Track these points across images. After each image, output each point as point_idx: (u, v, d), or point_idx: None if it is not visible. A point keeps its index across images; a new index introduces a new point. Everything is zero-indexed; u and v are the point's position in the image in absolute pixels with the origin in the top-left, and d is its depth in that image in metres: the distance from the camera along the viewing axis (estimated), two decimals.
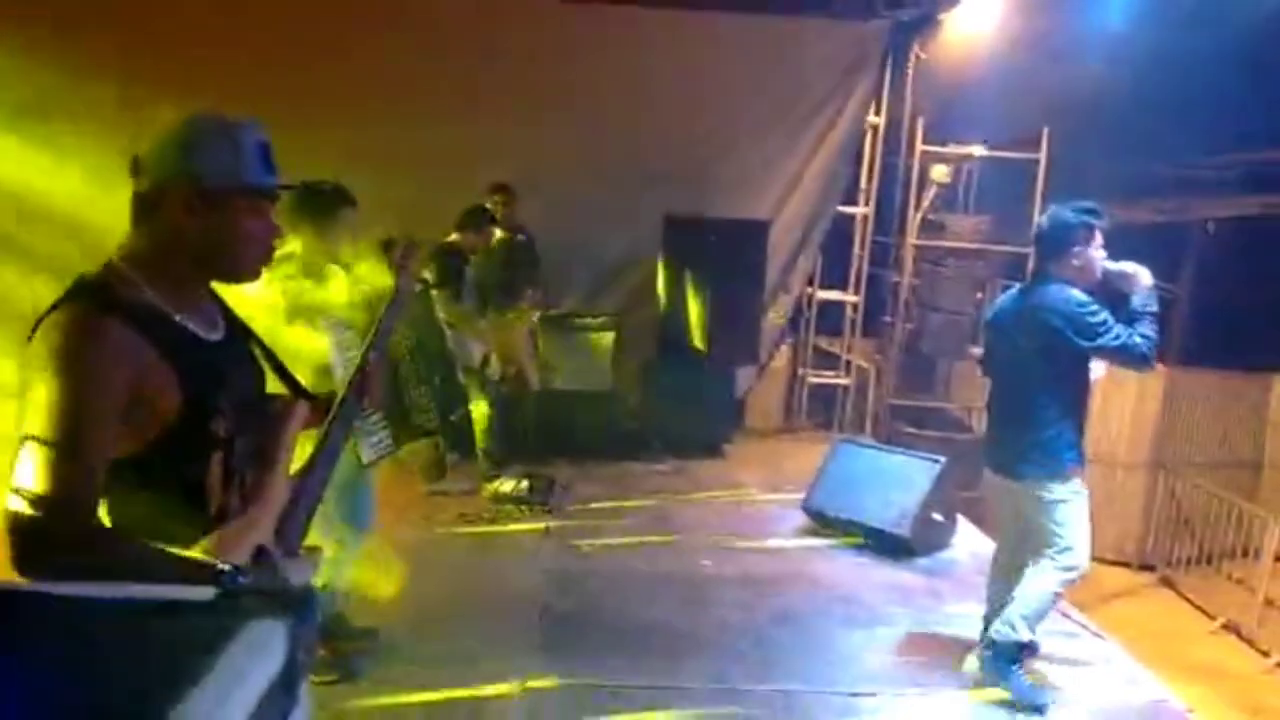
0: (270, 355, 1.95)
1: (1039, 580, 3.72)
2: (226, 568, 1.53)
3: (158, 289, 1.65)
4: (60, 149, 5.33)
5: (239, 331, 1.88)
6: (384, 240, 2.38)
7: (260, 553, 1.69)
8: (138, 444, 1.59)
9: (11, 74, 5.55)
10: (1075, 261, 3.61)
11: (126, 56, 6.06)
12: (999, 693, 3.82)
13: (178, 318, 1.67)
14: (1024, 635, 3.71)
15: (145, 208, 1.67)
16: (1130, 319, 3.53)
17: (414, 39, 7.05)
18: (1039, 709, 3.70)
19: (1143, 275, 3.60)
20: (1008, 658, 3.74)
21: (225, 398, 1.71)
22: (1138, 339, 3.47)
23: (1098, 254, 3.64)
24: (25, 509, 1.43)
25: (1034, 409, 3.68)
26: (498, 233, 6.33)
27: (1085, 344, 3.52)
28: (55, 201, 5.30)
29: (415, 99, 6.92)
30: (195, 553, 1.58)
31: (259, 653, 0.93)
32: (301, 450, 1.92)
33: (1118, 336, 3.48)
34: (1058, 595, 3.76)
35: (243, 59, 6.42)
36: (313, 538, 1.89)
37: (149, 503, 1.63)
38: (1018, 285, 3.92)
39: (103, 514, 1.58)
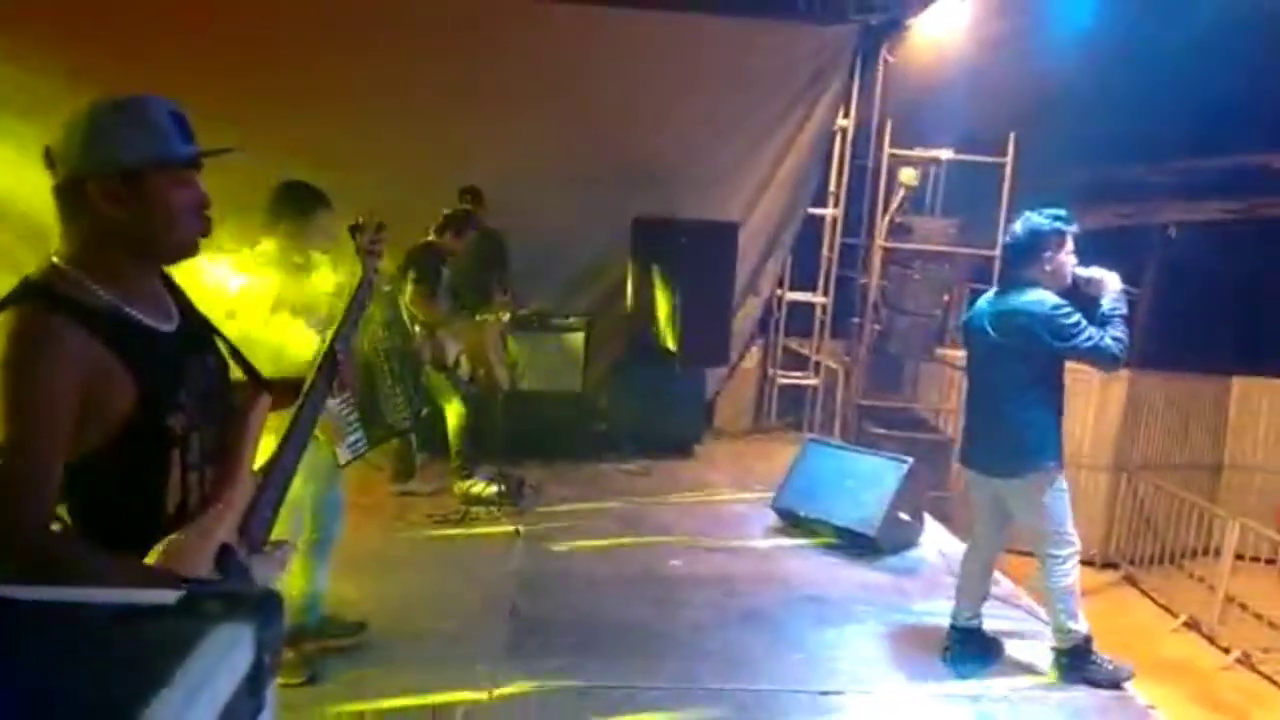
0: (229, 344, 1.89)
1: (1055, 577, 3.88)
2: (186, 578, 1.51)
3: (103, 284, 1.59)
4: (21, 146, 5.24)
5: (195, 321, 1.81)
6: (351, 225, 2.33)
7: (225, 551, 1.66)
8: (93, 444, 1.55)
9: None
10: (1047, 266, 3.73)
11: (101, 57, 5.98)
12: (964, 688, 3.88)
13: (127, 310, 1.61)
14: (1080, 629, 3.90)
15: (68, 203, 1.60)
16: (1101, 322, 3.66)
17: (388, 42, 6.99)
18: (1125, 682, 3.91)
19: (1111, 280, 3.75)
20: (1081, 655, 3.91)
21: (183, 391, 1.66)
22: (1109, 340, 3.60)
23: (1068, 259, 3.76)
24: None
25: (1013, 409, 3.80)
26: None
27: (1059, 345, 3.64)
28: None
29: (389, 101, 6.87)
30: (154, 556, 1.55)
31: (225, 656, 0.92)
32: (266, 442, 1.87)
33: (1090, 338, 3.60)
34: (1073, 581, 3.90)
35: (218, 61, 6.34)
36: (279, 530, 1.86)
37: (107, 504, 1.59)
38: (992, 289, 4.02)
39: (64, 515, 1.55)
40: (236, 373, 1.91)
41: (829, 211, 8.33)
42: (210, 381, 1.77)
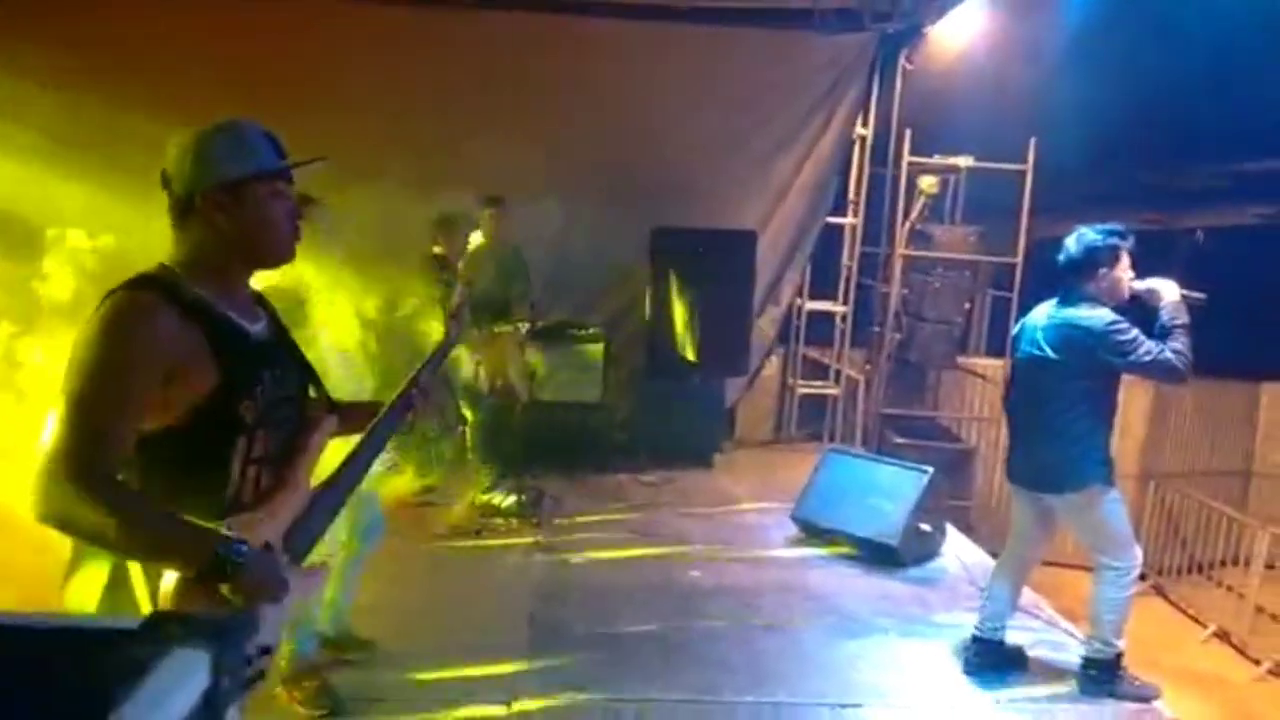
0: (307, 363, 2.03)
1: (1107, 590, 3.84)
2: (230, 535, 1.63)
3: (202, 283, 1.79)
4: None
5: (280, 333, 2.00)
6: (439, 296, 2.52)
7: (266, 548, 1.73)
8: (168, 419, 1.70)
9: None
10: (1103, 283, 3.74)
11: (111, 72, 6.07)
12: (986, 700, 3.83)
13: (220, 307, 1.80)
14: (1117, 645, 3.86)
15: (180, 216, 1.82)
16: (1161, 334, 3.65)
17: (405, 57, 7.06)
18: (1152, 699, 3.89)
19: (1168, 289, 3.74)
20: (1110, 670, 3.88)
21: (259, 388, 1.80)
22: (1169, 354, 3.59)
23: (1125, 274, 3.77)
24: (54, 452, 1.56)
25: (1064, 424, 3.79)
26: (481, 242, 6.35)
27: (1117, 361, 3.64)
28: None
29: (409, 115, 6.93)
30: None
31: (180, 679, 0.94)
32: (329, 460, 1.97)
33: (1148, 352, 3.60)
34: (1128, 597, 3.86)
35: (239, 78, 6.41)
36: (319, 552, 1.90)
37: (169, 477, 1.72)
38: (1049, 302, 3.96)
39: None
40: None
41: (848, 220, 8.30)
42: (284, 389, 1.90)
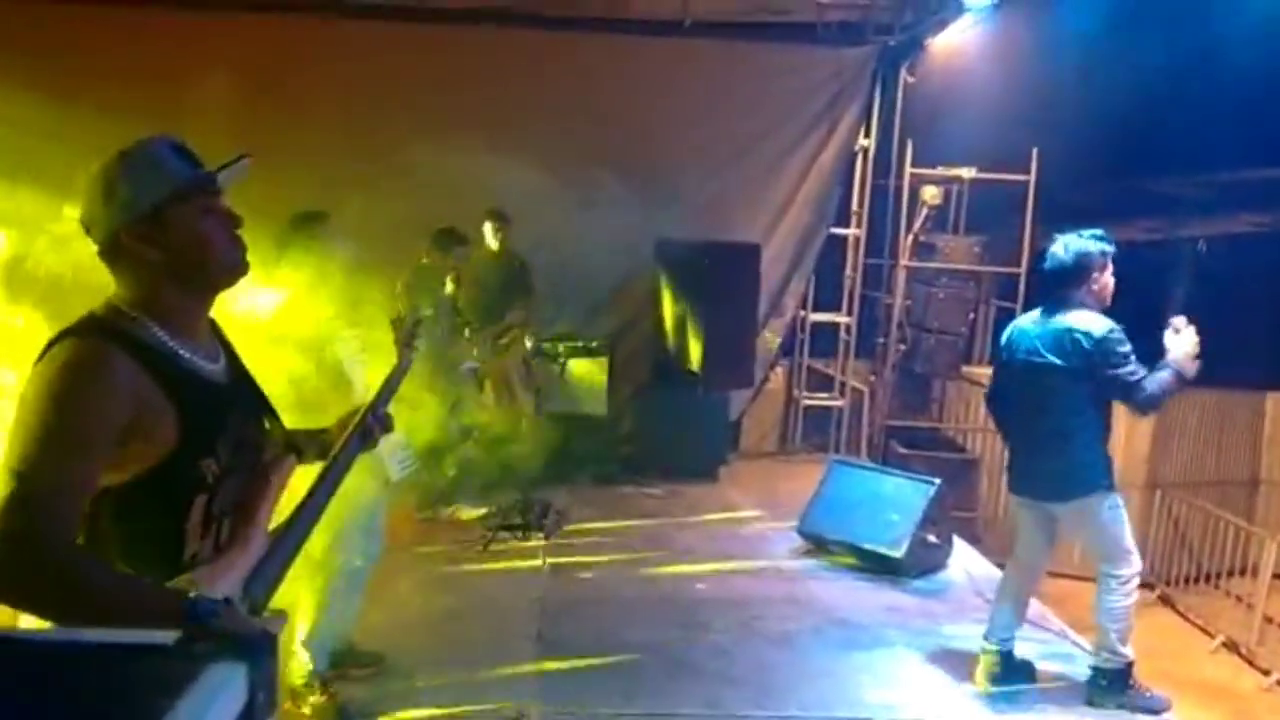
0: (263, 397, 1.91)
1: (1110, 598, 3.82)
2: (195, 596, 1.48)
3: (160, 324, 1.65)
4: None
5: (238, 369, 1.86)
6: (392, 319, 2.50)
7: (225, 602, 1.59)
8: (124, 476, 1.57)
9: None
10: (1094, 287, 3.75)
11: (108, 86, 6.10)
12: (994, 712, 3.82)
13: (183, 353, 1.66)
14: (1126, 654, 3.85)
15: (110, 258, 1.67)
16: (1155, 367, 3.65)
17: (410, 67, 7.11)
18: (1163, 710, 3.88)
19: (1189, 343, 3.69)
20: (1121, 681, 3.86)
21: (221, 438, 1.69)
22: (1148, 384, 3.59)
23: (1110, 279, 3.80)
24: (6, 531, 1.41)
25: (1065, 431, 3.78)
26: (484, 254, 6.39)
27: (1104, 370, 3.62)
28: None
29: (412, 126, 6.94)
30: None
31: (218, 696, 0.93)
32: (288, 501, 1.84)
33: (1134, 373, 3.60)
34: (1130, 605, 3.85)
35: (236, 92, 6.44)
36: (282, 599, 1.83)
37: (124, 538, 1.60)
38: (1035, 311, 3.98)
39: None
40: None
41: (851, 231, 8.32)
42: (244, 430, 1.78)
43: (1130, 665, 3.88)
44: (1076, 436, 3.77)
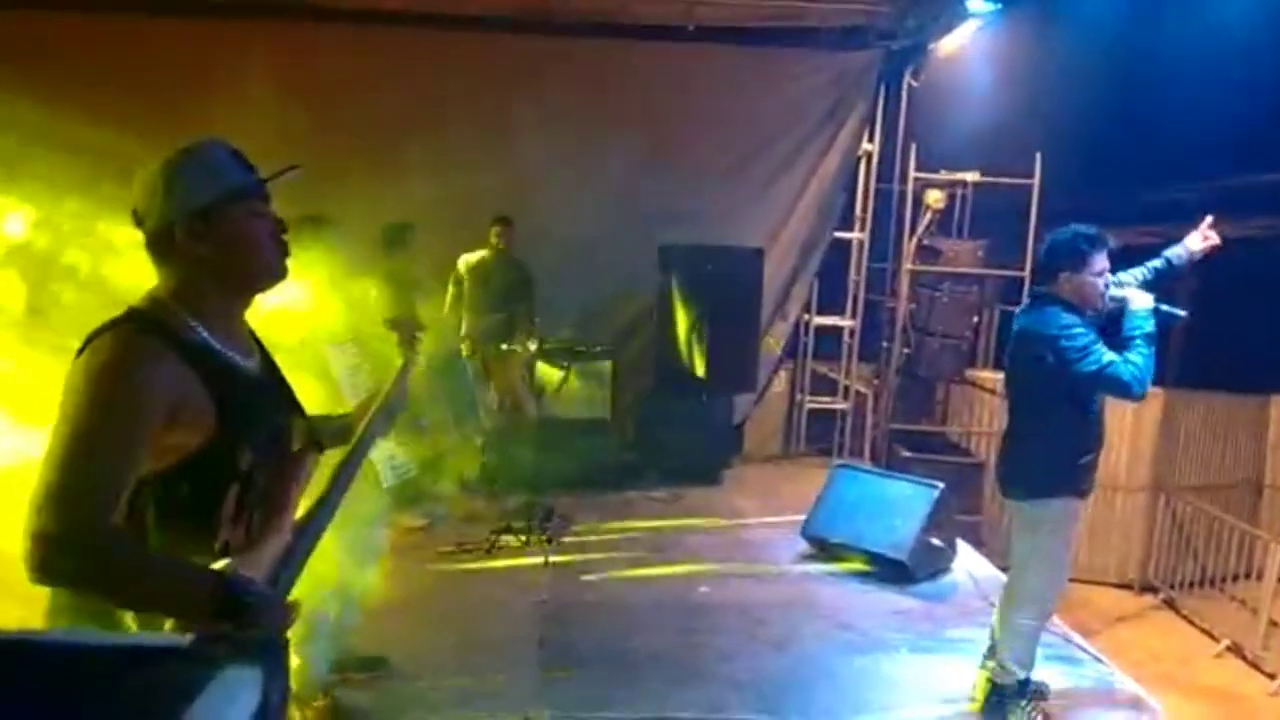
0: (293, 394, 1.98)
1: (1012, 619, 3.69)
2: (237, 575, 1.56)
3: (196, 317, 1.72)
4: None
5: (270, 366, 1.94)
6: (391, 320, 2.51)
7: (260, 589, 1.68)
8: (164, 464, 1.64)
9: None
10: (1066, 286, 3.55)
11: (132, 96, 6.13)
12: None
13: (219, 348, 1.73)
14: (1020, 674, 3.69)
15: (159, 252, 1.74)
16: (1122, 344, 3.43)
17: (414, 74, 7.13)
18: None
19: (1138, 299, 3.49)
20: (1010, 695, 3.72)
21: (256, 430, 1.75)
22: (1120, 367, 3.35)
23: (1094, 281, 3.53)
24: (47, 515, 1.47)
25: (1029, 431, 3.69)
26: (486, 257, 6.42)
27: (1061, 368, 3.44)
28: None
29: (414, 133, 6.96)
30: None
31: (233, 697, 0.94)
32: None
33: (1096, 362, 3.37)
34: (1036, 627, 3.70)
35: (245, 99, 6.47)
36: (299, 591, 1.87)
37: (161, 524, 1.65)
38: (1023, 305, 3.88)
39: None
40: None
41: (855, 235, 8.32)
42: (276, 423, 1.85)
43: (1026, 683, 3.72)
44: (1036, 438, 3.64)
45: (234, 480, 1.72)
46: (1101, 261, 3.56)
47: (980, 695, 3.91)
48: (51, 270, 3.20)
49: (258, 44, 6.79)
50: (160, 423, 1.60)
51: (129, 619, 1.64)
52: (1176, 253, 3.83)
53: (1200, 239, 3.78)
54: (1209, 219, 3.80)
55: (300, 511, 1.86)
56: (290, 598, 1.77)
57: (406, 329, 2.48)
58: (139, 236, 1.76)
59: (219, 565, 1.61)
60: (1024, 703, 3.72)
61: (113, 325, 1.65)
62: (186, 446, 1.65)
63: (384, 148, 6.70)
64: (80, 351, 1.62)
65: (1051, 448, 3.60)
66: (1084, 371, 3.40)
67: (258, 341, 1.92)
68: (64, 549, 1.47)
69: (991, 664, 3.81)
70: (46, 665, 1.01)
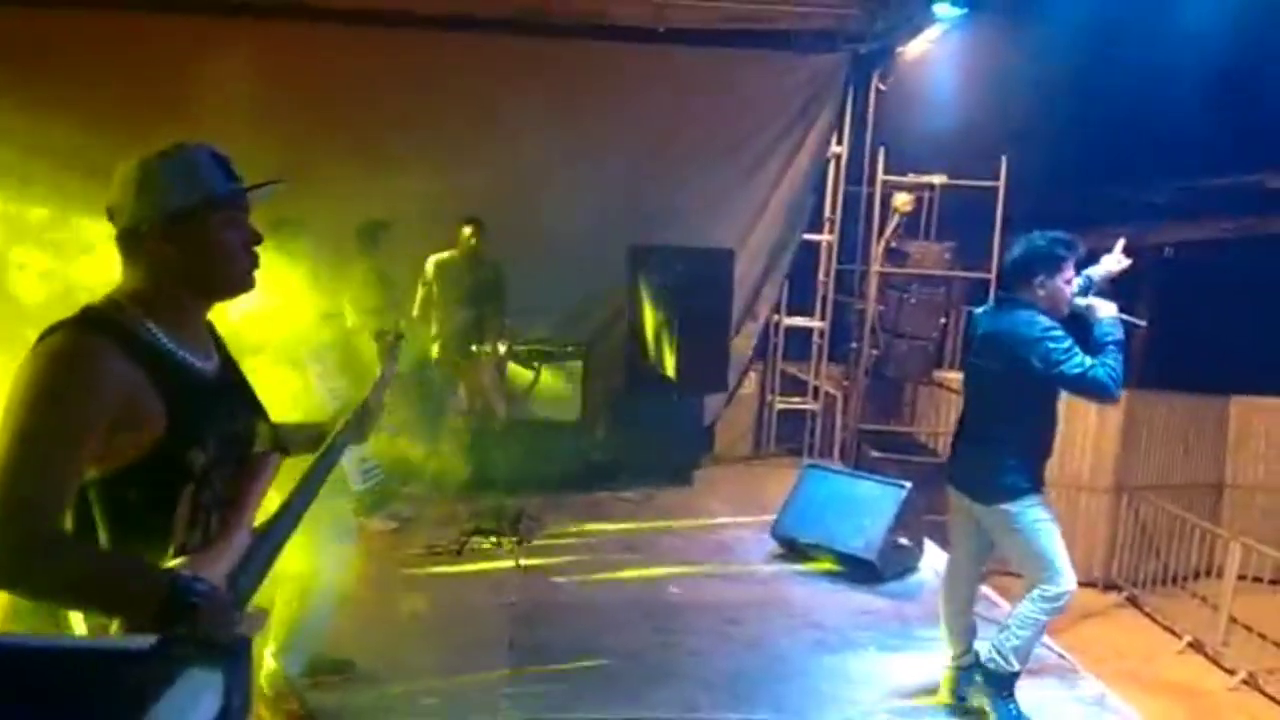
0: (255, 398, 1.95)
1: (1029, 608, 3.68)
2: (185, 573, 1.55)
3: (157, 320, 1.69)
4: None
5: (232, 369, 1.90)
6: (376, 332, 2.53)
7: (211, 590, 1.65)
8: (113, 466, 1.60)
9: None
10: (1040, 290, 3.59)
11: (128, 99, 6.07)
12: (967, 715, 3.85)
13: (174, 348, 1.70)
14: (1016, 666, 3.70)
15: (127, 248, 1.71)
16: (1095, 350, 3.50)
17: (382, 73, 7.09)
18: None
19: (1105, 307, 3.58)
20: (1000, 686, 3.72)
21: (209, 430, 1.72)
22: (1100, 370, 3.43)
23: (1066, 287, 3.61)
24: None
25: (998, 432, 3.69)
26: (454, 257, 6.42)
27: (1045, 371, 3.48)
28: None
29: (379, 133, 6.93)
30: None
31: (195, 699, 0.94)
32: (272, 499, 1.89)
33: (1079, 365, 3.44)
34: (1045, 623, 3.71)
35: (231, 101, 6.42)
36: (267, 595, 1.85)
37: (113, 528, 1.63)
38: (986, 307, 3.90)
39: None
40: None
41: (824, 237, 8.38)
42: (234, 426, 1.82)
43: (1014, 677, 3.73)
44: (1005, 439, 3.66)
45: (187, 482, 1.68)
46: (1072, 268, 3.64)
47: (945, 691, 3.95)
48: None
49: (247, 42, 6.71)
50: (106, 422, 1.57)
51: (75, 620, 1.62)
52: (1094, 271, 3.86)
53: (1115, 261, 3.83)
54: (1122, 241, 3.87)
55: (264, 517, 1.83)
56: (258, 603, 1.77)
57: (389, 341, 2.49)
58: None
59: (168, 564, 1.59)
60: (1008, 695, 3.72)
61: (62, 325, 1.62)
62: (136, 446, 1.61)
63: (366, 147, 6.66)
64: (31, 351, 1.60)
65: (1023, 449, 3.66)
66: (1069, 374, 3.47)
67: (220, 344, 1.89)
68: (6, 557, 1.45)
69: (985, 647, 3.79)
70: (6, 669, 0.99)
